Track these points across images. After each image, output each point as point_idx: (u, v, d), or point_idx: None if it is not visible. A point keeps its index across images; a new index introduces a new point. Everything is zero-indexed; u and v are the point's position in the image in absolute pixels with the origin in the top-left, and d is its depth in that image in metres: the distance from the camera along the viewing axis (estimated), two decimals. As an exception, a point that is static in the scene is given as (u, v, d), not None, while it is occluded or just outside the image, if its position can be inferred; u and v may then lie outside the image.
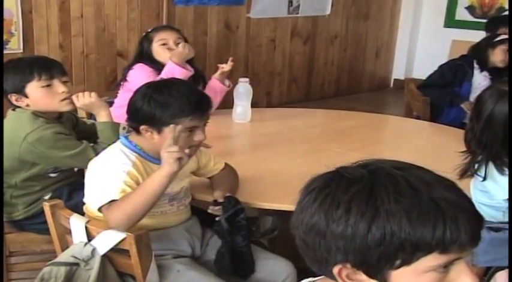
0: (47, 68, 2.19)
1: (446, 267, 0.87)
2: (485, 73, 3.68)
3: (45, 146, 2.12)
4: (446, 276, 0.88)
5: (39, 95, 2.17)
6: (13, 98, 2.17)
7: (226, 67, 3.04)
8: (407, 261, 0.86)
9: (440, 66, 3.87)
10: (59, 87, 2.20)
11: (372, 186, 0.88)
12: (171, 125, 1.75)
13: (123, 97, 2.95)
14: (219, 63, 3.11)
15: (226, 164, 2.13)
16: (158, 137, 1.81)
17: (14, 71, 2.16)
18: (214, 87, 3.04)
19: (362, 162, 0.95)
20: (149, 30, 3.11)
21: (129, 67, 3.04)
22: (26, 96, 2.17)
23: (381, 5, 6.62)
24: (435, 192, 0.87)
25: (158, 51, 3.00)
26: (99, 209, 1.77)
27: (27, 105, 2.18)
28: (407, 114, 3.92)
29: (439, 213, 0.84)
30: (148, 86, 1.90)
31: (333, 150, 2.57)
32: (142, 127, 1.82)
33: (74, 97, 2.23)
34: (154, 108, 1.78)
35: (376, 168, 0.91)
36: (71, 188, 2.28)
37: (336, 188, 0.91)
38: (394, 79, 7.03)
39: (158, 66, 2.96)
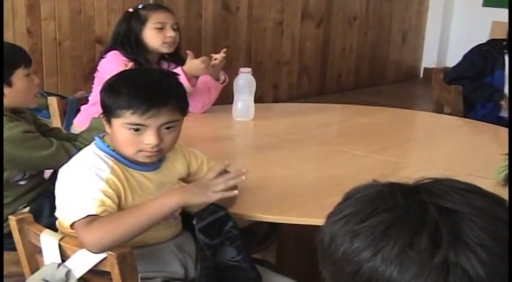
0: (27, 56, 2.25)
1: None
2: None
3: (13, 147, 2.14)
4: None
5: (23, 84, 2.21)
6: None
7: (217, 60, 3.03)
8: None
9: (466, 55, 3.88)
10: (35, 78, 2.28)
11: (394, 222, 0.85)
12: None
13: (96, 92, 2.95)
14: (216, 51, 3.12)
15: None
16: (110, 130, 1.86)
17: None
18: (206, 83, 3.05)
19: (420, 182, 0.92)
20: (139, 6, 3.10)
21: (103, 54, 3.06)
22: (10, 86, 2.20)
23: (407, -19, 6.63)
24: (460, 255, 0.82)
25: (151, 34, 3.01)
26: (72, 225, 1.76)
27: (5, 96, 2.20)
28: (437, 109, 3.92)
29: (441, 278, 0.81)
30: (126, 70, 1.96)
31: (351, 153, 2.57)
32: (101, 115, 1.89)
33: None
34: (106, 94, 1.85)
35: (424, 199, 0.87)
36: (52, 200, 2.28)
37: (363, 207, 0.90)
38: (424, 68, 7.04)
39: (139, 53, 2.97)
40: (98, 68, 3.02)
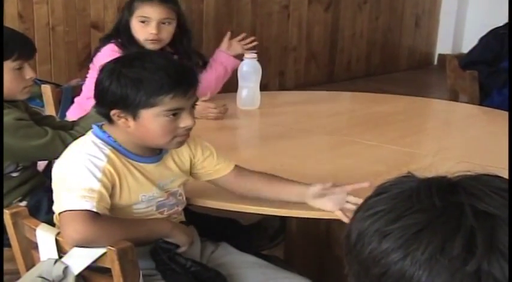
0: (27, 49, 2.23)
1: None
2: None
3: (6, 135, 2.14)
4: None
5: (9, 77, 2.20)
6: None
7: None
8: None
9: (482, 38, 3.88)
10: (29, 72, 2.24)
11: (428, 224, 0.84)
12: None
13: (90, 85, 2.94)
14: (218, 37, 3.12)
15: (236, 166, 2.09)
16: (134, 123, 1.80)
17: None
18: (223, 62, 3.07)
19: (461, 179, 0.90)
20: None
21: (100, 44, 3.04)
22: None
23: (421, -39, 6.62)
24: (493, 264, 0.81)
25: (135, 27, 2.94)
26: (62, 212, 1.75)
27: None
28: (452, 98, 3.91)
29: None
30: (117, 59, 1.89)
31: (363, 143, 2.57)
32: (113, 112, 1.80)
33: None
34: (125, 86, 1.76)
35: (462, 201, 0.85)
36: (50, 195, 2.29)
37: (395, 206, 0.88)
38: (439, 54, 7.03)
39: (131, 45, 2.92)
40: (94, 60, 2.99)
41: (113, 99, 1.79)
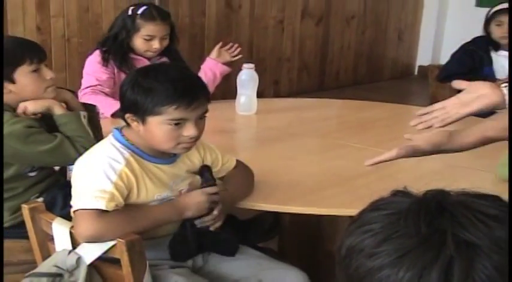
0: (36, 52, 2.22)
1: None
2: (501, 52, 3.71)
3: (17, 142, 2.13)
4: None
5: (28, 80, 2.20)
6: None
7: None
8: None
9: (454, 54, 3.90)
10: (47, 72, 2.25)
11: (411, 249, 0.81)
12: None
13: (83, 83, 3.07)
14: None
15: (238, 161, 2.11)
16: (143, 128, 1.80)
17: None
18: (212, 68, 3.12)
19: (448, 198, 0.88)
20: (139, 11, 3.11)
21: (91, 51, 3.14)
22: (13, 82, 2.19)
23: (404, -19, 6.62)
24: None
25: (138, 42, 3.11)
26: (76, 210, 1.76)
27: (10, 92, 2.19)
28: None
29: None
30: (139, 69, 1.93)
31: (351, 146, 2.57)
32: (127, 115, 1.82)
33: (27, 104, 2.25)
34: (136, 93, 1.78)
35: (445, 228, 0.83)
36: (65, 192, 2.29)
37: (384, 228, 0.85)
38: (419, 66, 7.03)
39: (117, 53, 3.06)
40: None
41: (127, 104, 1.82)
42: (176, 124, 1.77)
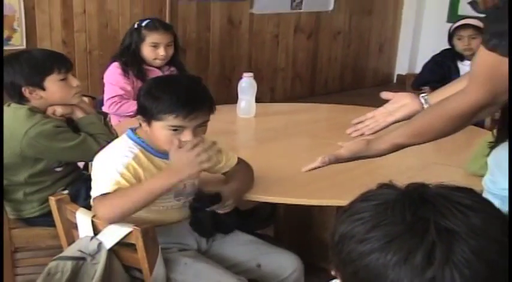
0: (63, 62, 2.23)
1: None
2: (466, 62, 3.72)
3: (47, 140, 2.14)
4: None
5: (57, 88, 2.20)
6: (27, 90, 2.18)
7: None
8: None
9: (426, 65, 3.92)
10: (73, 81, 2.26)
11: (398, 236, 0.82)
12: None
13: (105, 93, 3.07)
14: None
15: (239, 158, 2.10)
16: (149, 129, 1.82)
17: (31, 64, 2.17)
18: None
19: (429, 190, 0.88)
20: (142, 24, 3.13)
21: (108, 64, 3.15)
22: (43, 89, 2.19)
23: (383, 0, 6.60)
24: (447, 274, 0.79)
25: (147, 51, 3.12)
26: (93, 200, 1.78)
27: (41, 98, 2.20)
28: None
29: None
30: (155, 78, 1.96)
31: (337, 145, 2.55)
32: (138, 117, 1.86)
33: (56, 108, 2.25)
34: (147, 100, 1.81)
35: (428, 217, 0.83)
36: (88, 186, 2.29)
37: (373, 216, 0.85)
38: (397, 74, 7.02)
39: (136, 64, 3.07)
40: (104, 75, 3.14)
41: (140, 107, 1.85)
42: (175, 130, 1.79)
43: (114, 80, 3.06)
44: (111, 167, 1.78)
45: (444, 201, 0.85)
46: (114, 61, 3.14)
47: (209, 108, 1.85)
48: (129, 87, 3.06)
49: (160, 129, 1.79)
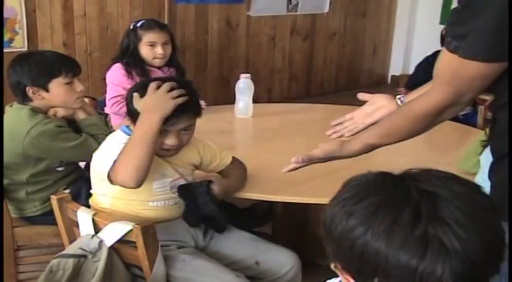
0: (72, 67, 2.23)
1: None
2: None
3: (49, 139, 2.14)
4: None
5: (61, 91, 2.19)
6: (31, 90, 2.17)
7: None
8: None
9: (419, 65, 3.91)
10: (78, 85, 2.25)
11: (383, 204, 0.84)
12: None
13: (108, 97, 3.05)
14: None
15: (233, 157, 2.11)
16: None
17: (40, 65, 2.17)
18: None
19: (408, 171, 0.90)
20: (138, 24, 3.12)
21: (110, 65, 3.12)
22: (46, 91, 2.18)
23: (378, 3, 6.61)
24: (437, 229, 0.80)
25: (144, 50, 3.08)
26: (108, 178, 1.78)
27: (43, 99, 2.19)
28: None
29: (421, 250, 0.80)
30: (142, 81, 1.96)
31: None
32: (127, 118, 1.88)
33: (57, 109, 2.26)
34: (131, 103, 1.83)
35: (410, 183, 0.86)
36: (89, 185, 2.29)
37: (357, 193, 0.89)
38: (392, 76, 7.02)
39: (139, 64, 3.04)
40: (106, 76, 3.11)
41: (128, 110, 1.88)
42: (161, 133, 1.80)
43: (117, 80, 3.05)
44: (112, 148, 1.80)
45: (425, 174, 0.88)
46: (116, 62, 3.13)
47: (194, 114, 1.86)
48: (129, 86, 3.05)
49: None
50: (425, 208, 0.81)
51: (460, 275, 0.80)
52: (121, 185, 1.76)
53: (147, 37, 3.07)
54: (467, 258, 0.80)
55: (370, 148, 1.60)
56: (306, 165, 1.68)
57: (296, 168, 1.69)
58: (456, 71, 1.29)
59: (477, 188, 0.88)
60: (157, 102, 1.77)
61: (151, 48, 3.07)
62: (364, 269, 0.85)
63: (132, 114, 1.85)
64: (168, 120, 1.78)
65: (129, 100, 1.86)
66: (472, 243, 0.80)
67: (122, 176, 1.73)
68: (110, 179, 1.78)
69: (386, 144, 1.59)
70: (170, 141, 1.83)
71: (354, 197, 0.88)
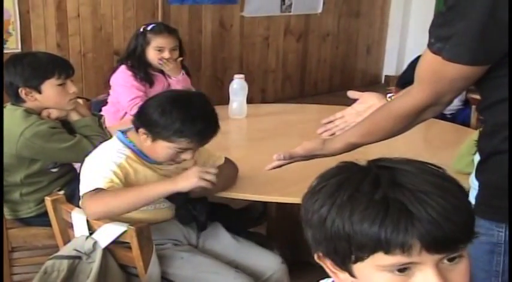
0: (65, 68, 2.22)
1: (404, 270, 0.83)
2: None
3: (43, 140, 2.13)
4: (407, 280, 0.83)
5: (53, 92, 2.19)
6: (23, 91, 2.17)
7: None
8: (359, 258, 0.84)
9: (411, 63, 3.92)
10: (71, 87, 2.24)
11: (345, 180, 0.88)
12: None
13: (112, 100, 3.03)
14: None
15: (226, 158, 2.12)
16: (151, 144, 1.80)
17: (32, 66, 2.16)
18: (180, 82, 3.20)
19: (378, 159, 0.93)
20: (148, 28, 3.11)
21: (115, 67, 3.11)
22: (39, 92, 2.18)
23: (371, 3, 6.62)
24: (396, 193, 0.82)
25: (151, 54, 3.09)
26: (82, 195, 1.75)
27: (35, 100, 2.19)
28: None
29: (382, 213, 0.81)
30: (168, 96, 1.87)
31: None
32: (141, 129, 1.81)
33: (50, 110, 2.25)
34: (160, 118, 1.75)
35: (371, 164, 0.90)
36: None
37: (322, 179, 0.92)
38: (385, 75, 7.03)
39: (143, 68, 3.00)
40: (111, 79, 3.09)
41: (148, 122, 1.79)
42: (180, 151, 1.78)
43: (129, 82, 3.01)
44: (104, 165, 1.77)
45: (385, 158, 0.92)
46: (121, 65, 3.11)
47: (217, 133, 1.85)
48: (143, 88, 3.04)
49: (166, 149, 1.79)
50: (383, 178, 0.85)
51: (425, 238, 0.80)
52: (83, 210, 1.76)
53: (156, 42, 3.07)
54: (432, 220, 0.80)
55: (352, 147, 1.60)
56: (288, 163, 1.69)
57: (279, 166, 1.69)
58: (438, 72, 1.30)
59: (434, 168, 0.90)
60: (186, 176, 1.73)
61: (159, 53, 3.07)
62: (339, 246, 0.86)
63: (143, 121, 1.80)
64: (198, 142, 1.79)
65: (150, 110, 1.79)
66: (435, 206, 0.81)
67: (95, 209, 1.71)
68: (82, 198, 1.77)
69: (368, 143, 1.59)
70: (187, 156, 1.83)
71: (321, 182, 0.91)
